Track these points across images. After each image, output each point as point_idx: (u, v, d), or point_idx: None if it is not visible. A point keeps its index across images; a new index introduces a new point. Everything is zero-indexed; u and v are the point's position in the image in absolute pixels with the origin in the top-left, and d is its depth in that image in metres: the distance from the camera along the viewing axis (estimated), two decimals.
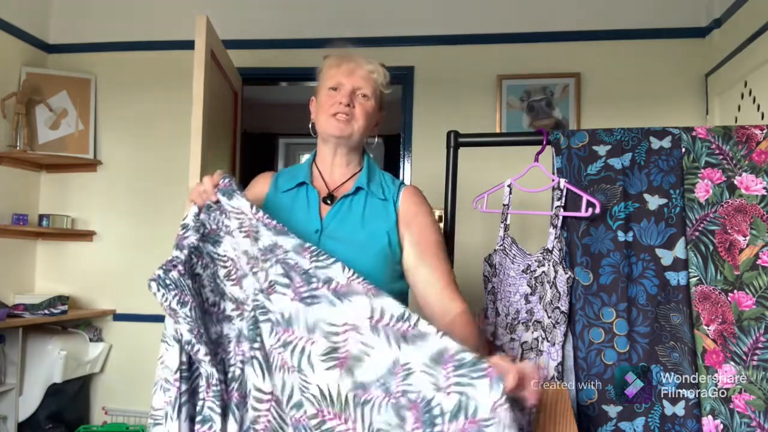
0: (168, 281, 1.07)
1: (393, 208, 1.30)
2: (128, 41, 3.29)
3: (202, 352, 1.07)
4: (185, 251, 1.12)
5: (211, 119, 2.45)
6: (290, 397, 1.05)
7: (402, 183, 1.37)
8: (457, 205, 1.63)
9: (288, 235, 1.11)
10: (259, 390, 1.07)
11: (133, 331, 3.17)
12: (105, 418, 3.16)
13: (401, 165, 3.13)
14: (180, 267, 1.10)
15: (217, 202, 1.16)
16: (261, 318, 1.09)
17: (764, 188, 1.40)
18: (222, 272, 1.16)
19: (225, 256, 1.17)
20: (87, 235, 3.24)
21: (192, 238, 1.14)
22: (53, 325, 2.99)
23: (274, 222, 1.12)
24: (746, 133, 1.44)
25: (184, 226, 1.15)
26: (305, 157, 1.44)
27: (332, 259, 1.08)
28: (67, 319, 2.96)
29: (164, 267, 1.09)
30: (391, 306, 1.00)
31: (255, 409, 1.08)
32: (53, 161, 3.19)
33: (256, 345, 1.08)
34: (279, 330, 1.07)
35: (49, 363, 2.86)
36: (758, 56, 2.36)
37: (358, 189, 1.31)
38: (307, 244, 1.10)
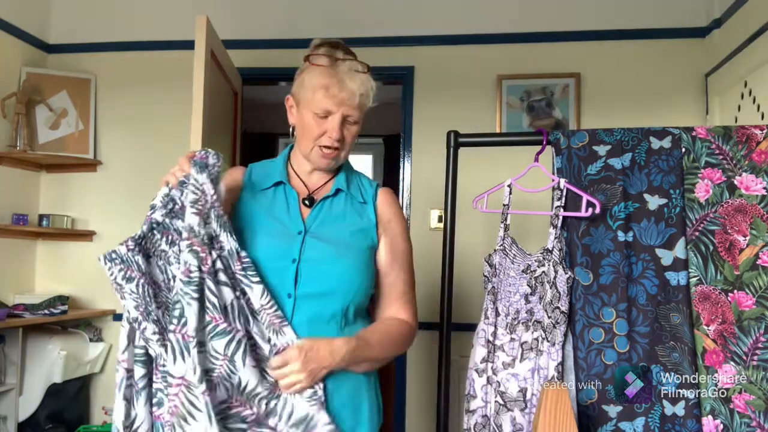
0: (114, 256, 1.07)
1: (372, 210, 1.31)
2: (128, 41, 3.29)
3: (149, 331, 1.05)
4: (145, 227, 1.12)
5: (211, 119, 2.45)
6: (201, 379, 1.04)
7: (378, 185, 1.37)
8: (457, 205, 1.63)
9: (231, 235, 1.13)
10: (169, 374, 1.04)
11: None
12: (105, 418, 3.16)
13: (401, 165, 3.13)
14: (129, 242, 1.09)
15: (189, 175, 1.14)
16: (190, 297, 1.05)
17: (764, 188, 1.40)
18: None
19: None
20: (87, 235, 3.24)
21: (156, 214, 1.12)
22: (53, 325, 2.99)
23: (225, 217, 1.13)
24: (746, 133, 1.44)
25: (152, 207, 1.14)
26: None
27: (257, 279, 1.13)
28: (67, 319, 2.96)
29: (120, 243, 1.09)
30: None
31: (165, 392, 1.05)
32: (53, 161, 3.19)
33: (171, 327, 1.05)
34: (215, 316, 1.06)
35: (49, 363, 2.86)
36: (758, 56, 2.36)
37: (337, 191, 1.30)
38: (243, 254, 1.13)
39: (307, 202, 1.28)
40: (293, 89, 1.29)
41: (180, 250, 1.09)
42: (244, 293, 1.12)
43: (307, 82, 1.24)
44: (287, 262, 1.18)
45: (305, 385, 1.11)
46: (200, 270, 1.06)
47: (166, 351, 1.05)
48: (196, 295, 1.05)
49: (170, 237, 1.13)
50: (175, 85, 3.16)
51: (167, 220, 1.13)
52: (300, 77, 1.27)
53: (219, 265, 1.09)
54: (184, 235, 1.09)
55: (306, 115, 1.25)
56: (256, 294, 1.12)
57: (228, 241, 1.12)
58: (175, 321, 1.04)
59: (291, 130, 1.33)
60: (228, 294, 1.09)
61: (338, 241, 1.23)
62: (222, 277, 1.09)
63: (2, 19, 2.99)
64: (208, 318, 1.06)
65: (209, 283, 1.07)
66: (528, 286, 1.47)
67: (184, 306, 1.04)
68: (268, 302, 1.12)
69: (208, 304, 1.06)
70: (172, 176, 1.16)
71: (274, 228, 1.22)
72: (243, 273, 1.12)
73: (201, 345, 1.04)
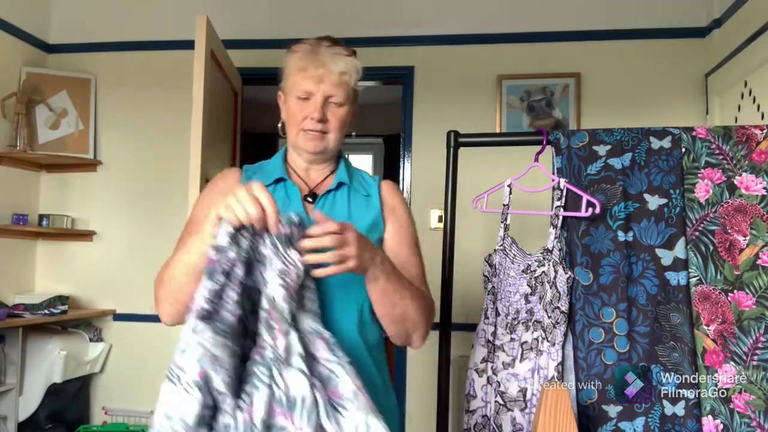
0: (221, 325, 0.88)
1: (378, 201, 1.25)
2: (128, 41, 3.29)
3: (229, 406, 0.87)
4: (233, 288, 0.90)
5: (211, 119, 2.45)
6: None
7: (379, 178, 1.32)
8: (457, 205, 1.63)
9: (311, 315, 0.97)
10: None
11: (133, 331, 3.17)
12: (105, 418, 3.16)
13: (401, 165, 3.13)
14: (232, 306, 0.89)
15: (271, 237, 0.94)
16: (259, 380, 0.89)
17: (764, 188, 1.40)
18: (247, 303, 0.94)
19: (254, 287, 0.95)
20: (87, 235, 3.24)
21: (239, 270, 0.91)
22: (53, 325, 3.00)
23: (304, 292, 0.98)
24: (746, 133, 1.44)
25: (220, 250, 0.90)
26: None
27: (347, 359, 0.94)
28: (67, 319, 2.96)
29: (211, 302, 0.88)
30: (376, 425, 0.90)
31: None
32: (53, 161, 3.19)
33: (243, 405, 0.88)
34: (277, 409, 0.87)
35: (49, 363, 2.86)
36: (758, 56, 2.36)
37: (340, 184, 1.24)
38: (327, 334, 0.96)
39: (309, 198, 1.22)
40: (281, 83, 1.26)
41: (257, 318, 0.93)
42: (323, 381, 0.91)
43: (288, 68, 1.21)
44: None
45: (353, 265, 0.98)
46: (274, 351, 0.90)
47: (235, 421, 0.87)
48: (267, 381, 0.88)
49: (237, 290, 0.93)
50: (175, 85, 3.16)
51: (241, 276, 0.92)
52: (284, 67, 1.24)
53: (298, 348, 0.91)
54: (265, 305, 0.92)
55: (290, 102, 1.21)
56: (345, 378, 0.92)
57: (306, 321, 0.96)
58: (246, 399, 0.88)
59: (281, 126, 1.27)
60: (301, 385, 0.88)
61: None
62: (296, 362, 0.90)
63: (2, 19, 2.99)
64: (268, 409, 0.88)
65: (275, 371, 0.89)
66: (528, 286, 1.47)
67: (253, 389, 0.88)
68: (361, 384, 0.92)
69: (274, 396, 0.88)
70: (245, 216, 0.91)
71: None
72: (332, 355, 0.93)
73: (269, 429, 0.88)
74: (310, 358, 0.92)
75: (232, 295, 0.90)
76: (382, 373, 1.22)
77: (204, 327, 0.86)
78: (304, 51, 1.19)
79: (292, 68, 1.20)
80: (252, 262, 0.94)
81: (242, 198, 0.91)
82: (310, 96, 1.18)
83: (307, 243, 0.95)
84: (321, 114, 1.17)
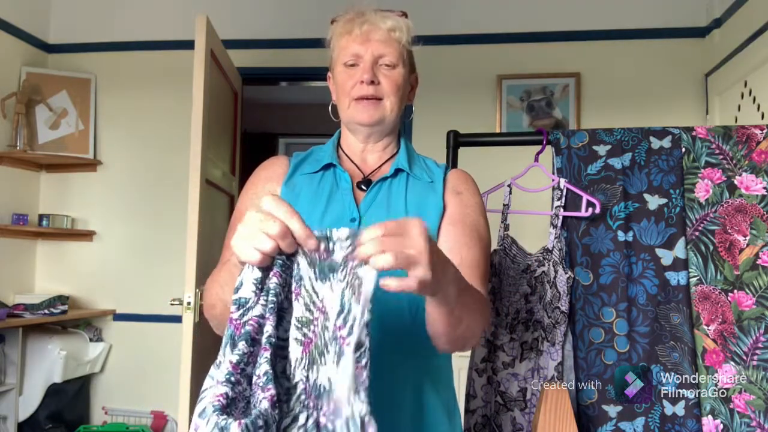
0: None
1: (441, 187, 1.08)
2: (128, 41, 3.30)
3: None
4: (265, 357, 0.63)
5: (211, 119, 2.45)
6: None
7: (447, 166, 1.17)
8: None
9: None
10: None
11: (133, 331, 3.17)
12: (105, 418, 3.16)
13: None
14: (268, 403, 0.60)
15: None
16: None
17: (764, 188, 1.40)
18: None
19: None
20: (87, 235, 3.24)
21: (269, 326, 0.65)
22: (53, 325, 3.00)
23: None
24: (746, 133, 1.44)
25: (242, 305, 0.66)
26: None
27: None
28: (67, 319, 2.96)
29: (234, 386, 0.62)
30: None
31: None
32: (53, 161, 3.19)
33: None
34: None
35: (49, 363, 2.86)
36: (758, 56, 2.36)
37: (397, 171, 1.08)
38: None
39: (363, 186, 1.07)
40: (328, 62, 1.14)
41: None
42: None
43: (332, 38, 1.10)
44: None
45: (423, 275, 0.67)
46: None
47: None
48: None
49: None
50: (175, 85, 3.16)
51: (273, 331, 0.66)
52: (328, 39, 1.13)
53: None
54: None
55: (337, 72, 1.08)
56: None
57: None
58: None
59: (331, 108, 1.14)
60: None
61: None
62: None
63: (2, 19, 2.99)
64: None
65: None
66: (528, 286, 1.47)
67: None
68: None
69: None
70: (253, 251, 0.66)
71: (322, 215, 1.01)
72: None
73: None
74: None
75: (260, 368, 0.63)
76: (448, 406, 1.02)
77: (227, 422, 0.58)
78: (348, 16, 1.08)
79: (336, 34, 1.09)
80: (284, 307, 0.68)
81: (255, 222, 0.66)
82: (358, 60, 1.05)
83: (363, 250, 0.65)
84: (371, 75, 1.03)
